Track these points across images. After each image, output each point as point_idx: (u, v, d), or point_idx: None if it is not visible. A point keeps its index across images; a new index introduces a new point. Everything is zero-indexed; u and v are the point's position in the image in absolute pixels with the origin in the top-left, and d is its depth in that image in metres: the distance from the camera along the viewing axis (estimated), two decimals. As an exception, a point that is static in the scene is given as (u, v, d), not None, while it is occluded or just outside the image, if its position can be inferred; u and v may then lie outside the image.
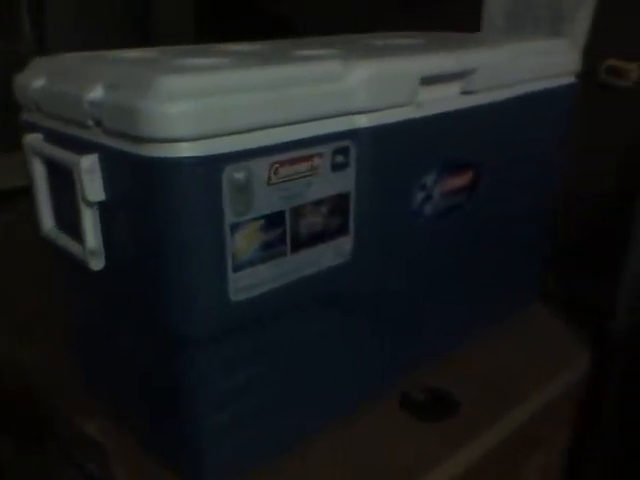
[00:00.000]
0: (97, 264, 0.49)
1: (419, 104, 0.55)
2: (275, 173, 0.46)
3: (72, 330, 0.66)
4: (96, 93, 0.45)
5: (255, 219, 0.46)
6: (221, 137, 0.43)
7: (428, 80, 0.55)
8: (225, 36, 0.71)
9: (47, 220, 0.55)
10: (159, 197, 0.43)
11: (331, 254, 0.53)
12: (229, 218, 0.44)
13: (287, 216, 0.48)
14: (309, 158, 0.48)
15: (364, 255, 0.55)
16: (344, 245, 0.53)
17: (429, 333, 0.67)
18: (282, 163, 0.46)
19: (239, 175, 0.44)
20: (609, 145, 0.80)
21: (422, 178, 0.57)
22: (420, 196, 0.58)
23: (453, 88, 0.59)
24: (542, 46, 0.71)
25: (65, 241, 0.52)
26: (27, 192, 0.58)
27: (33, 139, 0.53)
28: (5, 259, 0.97)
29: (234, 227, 0.45)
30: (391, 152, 0.54)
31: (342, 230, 0.53)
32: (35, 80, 0.53)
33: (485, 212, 0.66)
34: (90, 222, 0.48)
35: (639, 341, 0.78)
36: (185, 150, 0.41)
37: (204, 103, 0.42)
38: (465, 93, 0.60)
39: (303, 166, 0.48)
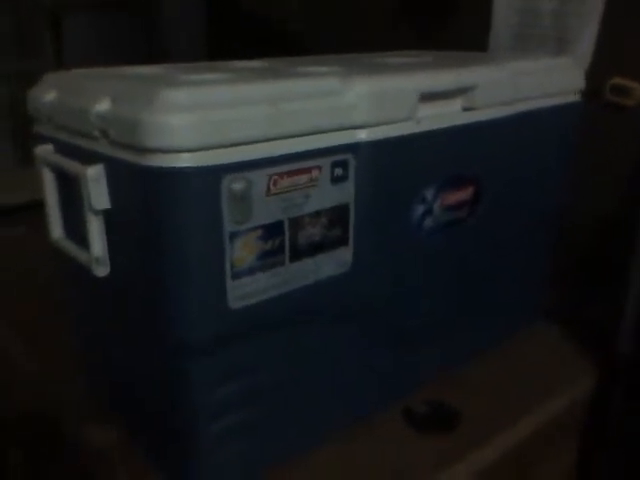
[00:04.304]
0: (102, 271, 0.51)
1: (419, 120, 0.56)
2: (274, 184, 0.47)
3: (79, 338, 0.68)
4: (103, 106, 0.47)
5: (254, 228, 0.47)
6: (221, 148, 0.44)
7: (428, 96, 0.56)
8: (236, 54, 0.73)
9: (56, 228, 0.57)
10: (160, 205, 0.44)
11: (331, 264, 0.54)
12: (228, 227, 0.45)
13: (286, 226, 0.49)
14: (308, 170, 0.49)
15: (364, 266, 0.56)
16: (344, 256, 0.54)
17: (431, 347, 0.67)
18: (281, 175, 0.48)
19: (238, 185, 0.45)
20: (615, 163, 0.81)
21: (422, 192, 0.58)
22: (420, 209, 0.59)
23: (454, 104, 0.60)
24: (546, 64, 0.72)
25: (72, 249, 0.54)
26: (37, 206, 0.60)
27: (44, 150, 0.55)
28: (14, 272, 0.99)
29: (233, 236, 0.46)
30: (391, 166, 0.55)
31: (342, 241, 0.54)
32: (47, 94, 0.56)
33: (487, 227, 0.67)
34: (96, 230, 0.50)
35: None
36: (185, 160, 0.43)
37: (204, 115, 0.43)
38: (466, 109, 0.61)
39: (302, 178, 0.49)
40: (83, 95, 0.50)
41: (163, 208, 0.44)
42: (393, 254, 0.59)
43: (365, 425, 0.64)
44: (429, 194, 0.59)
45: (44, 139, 0.57)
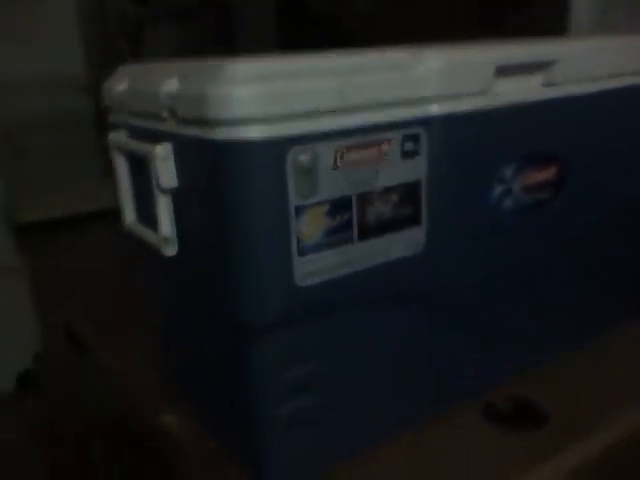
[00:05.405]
0: (170, 250, 0.51)
1: (495, 94, 0.54)
2: (341, 158, 0.46)
3: (153, 324, 0.69)
4: (171, 86, 0.47)
5: (320, 203, 0.46)
6: (287, 120, 0.43)
7: (504, 70, 0.54)
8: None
9: (129, 213, 0.58)
10: (227, 178, 0.44)
11: (402, 245, 0.51)
12: (294, 200, 0.44)
13: (354, 202, 0.47)
14: (377, 144, 0.48)
15: (437, 248, 0.53)
16: (416, 236, 0.52)
17: (511, 340, 0.64)
18: (349, 148, 0.46)
19: (304, 157, 0.44)
20: None
21: (500, 170, 0.55)
22: (499, 189, 0.56)
23: (533, 80, 0.57)
24: (629, 40, 0.67)
25: (143, 231, 0.55)
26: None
27: (116, 136, 0.56)
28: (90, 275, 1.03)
29: (299, 210, 0.45)
30: (465, 141, 0.52)
31: (413, 220, 0.51)
32: (120, 83, 0.57)
33: (573, 212, 0.63)
34: (164, 209, 0.50)
35: None
36: (252, 132, 0.42)
37: (271, 86, 0.42)
38: (546, 85, 0.58)
39: (371, 152, 0.47)
40: (152, 79, 0.51)
41: (230, 181, 0.43)
42: (469, 236, 0.56)
43: (444, 420, 0.61)
44: (508, 173, 0.56)
45: (118, 127, 0.58)
